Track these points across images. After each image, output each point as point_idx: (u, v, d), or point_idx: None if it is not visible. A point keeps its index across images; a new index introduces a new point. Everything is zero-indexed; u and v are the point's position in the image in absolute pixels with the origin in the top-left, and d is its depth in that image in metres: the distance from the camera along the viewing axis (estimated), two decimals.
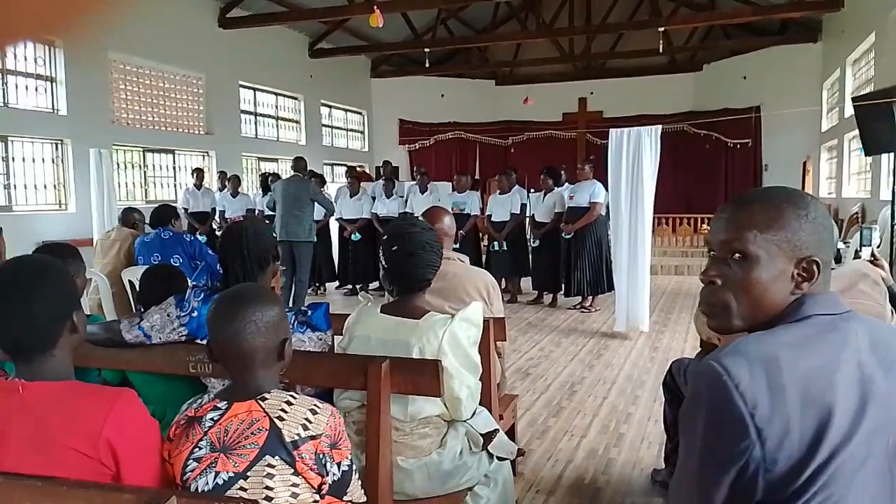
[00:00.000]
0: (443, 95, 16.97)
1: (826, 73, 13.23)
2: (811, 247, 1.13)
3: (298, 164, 7.44)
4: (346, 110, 16.18)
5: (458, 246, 6.03)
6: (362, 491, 1.60)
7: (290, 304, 4.81)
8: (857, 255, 2.96)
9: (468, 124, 17.31)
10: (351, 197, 8.84)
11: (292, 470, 1.40)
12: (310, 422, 1.43)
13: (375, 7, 9.52)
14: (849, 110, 9.44)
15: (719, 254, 1.18)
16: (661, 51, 12.86)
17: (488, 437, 2.22)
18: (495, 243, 8.01)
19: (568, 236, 7.51)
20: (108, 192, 8.23)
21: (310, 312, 2.09)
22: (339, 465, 1.46)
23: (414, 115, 16.98)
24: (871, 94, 6.86)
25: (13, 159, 8.47)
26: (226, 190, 9.56)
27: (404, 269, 2.12)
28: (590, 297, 7.56)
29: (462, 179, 8.43)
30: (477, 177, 13.25)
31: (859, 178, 11.06)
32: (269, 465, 1.39)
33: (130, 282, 4.64)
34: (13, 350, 1.40)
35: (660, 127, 6.20)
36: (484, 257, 8.48)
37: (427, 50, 13.51)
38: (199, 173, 9.57)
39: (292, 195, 7.05)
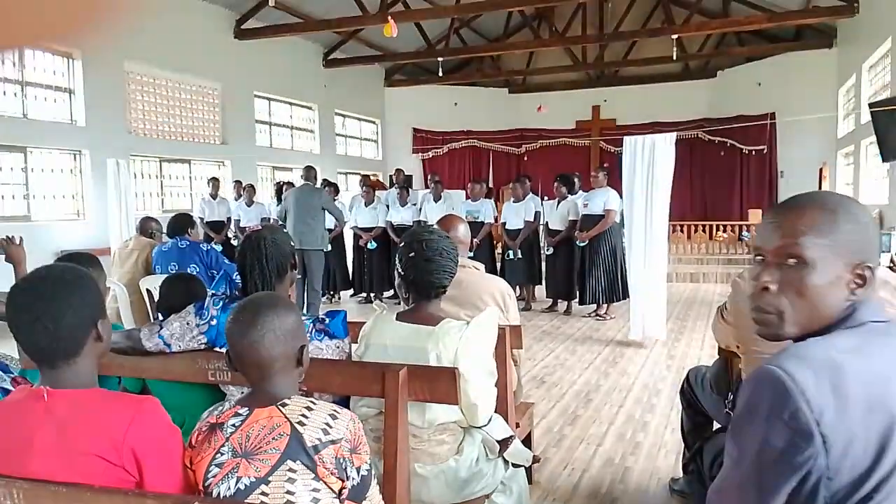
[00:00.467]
0: (456, 104, 17.02)
1: (842, 78, 13.14)
2: (864, 252, 1.11)
3: (309, 172, 7.48)
4: (359, 119, 16.27)
5: (472, 254, 6.04)
6: (381, 496, 1.60)
7: (305, 312, 4.83)
8: None
9: (481, 132, 17.35)
10: (366, 205, 8.88)
11: (313, 475, 1.41)
12: (330, 426, 1.44)
13: (390, 17, 9.58)
14: (865, 116, 9.38)
15: (772, 259, 1.15)
16: (674, 58, 12.86)
17: (504, 443, 2.22)
18: (509, 251, 8.00)
19: (582, 244, 7.50)
20: (126, 201, 8.31)
21: (327, 320, 2.11)
22: (358, 469, 1.47)
23: (427, 123, 17.05)
24: (888, 99, 6.82)
25: (32, 170, 8.58)
26: (241, 199, 9.63)
27: (421, 275, 2.13)
28: (605, 305, 7.54)
29: (476, 188, 8.43)
30: (490, 185, 13.26)
31: (877, 184, 10.96)
32: (291, 470, 1.40)
33: (148, 290, 4.69)
34: (39, 357, 1.41)
35: (674, 134, 6.19)
36: (498, 265, 8.48)
37: (440, 59, 13.57)
38: (214, 183, 9.66)
39: (304, 204, 7.09)
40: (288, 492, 1.39)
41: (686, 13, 12.84)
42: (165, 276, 3.97)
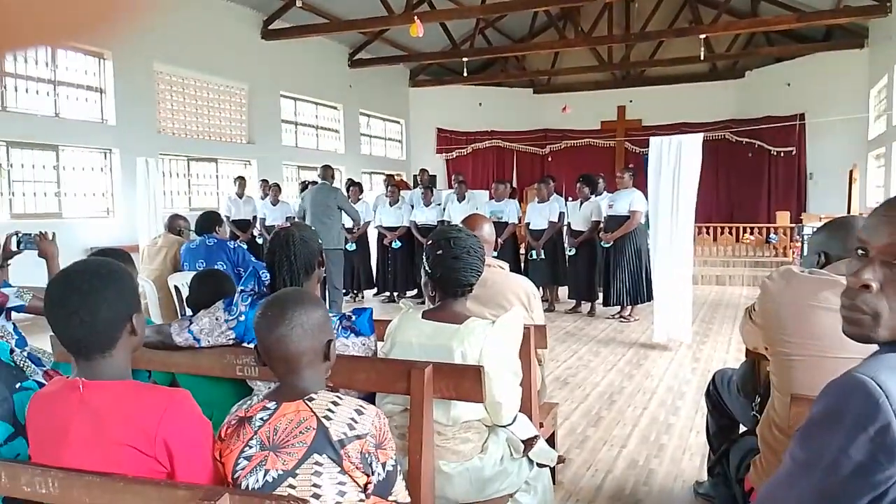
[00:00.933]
0: (480, 104, 17.02)
1: (873, 79, 12.91)
2: None
3: (326, 172, 7.55)
4: (384, 119, 16.34)
5: (496, 254, 6.03)
6: (407, 492, 1.62)
7: (330, 310, 4.86)
8: None
9: (505, 133, 17.32)
10: (391, 205, 8.92)
11: (339, 468, 1.43)
12: (356, 422, 1.45)
13: (416, 17, 9.61)
14: None
15: (878, 256, 1.06)
16: (702, 58, 12.71)
17: (529, 443, 2.22)
18: (532, 252, 7.99)
19: (607, 245, 7.46)
20: (154, 200, 8.43)
21: (354, 318, 2.12)
22: (384, 464, 1.49)
23: (451, 123, 17.06)
24: None
25: (63, 168, 8.74)
26: (267, 198, 9.71)
27: (448, 273, 2.14)
28: (629, 307, 7.49)
29: (500, 188, 8.43)
30: (514, 185, 13.23)
31: None
32: (317, 464, 1.42)
33: (176, 287, 4.75)
34: (75, 350, 1.44)
35: (701, 135, 6.13)
36: (522, 265, 8.46)
37: (465, 59, 13.58)
38: (241, 182, 9.76)
39: (321, 203, 7.15)
40: (314, 485, 1.41)
41: (714, 13, 12.69)
42: (193, 272, 4.04)
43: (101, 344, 1.43)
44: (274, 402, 1.50)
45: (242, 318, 2.13)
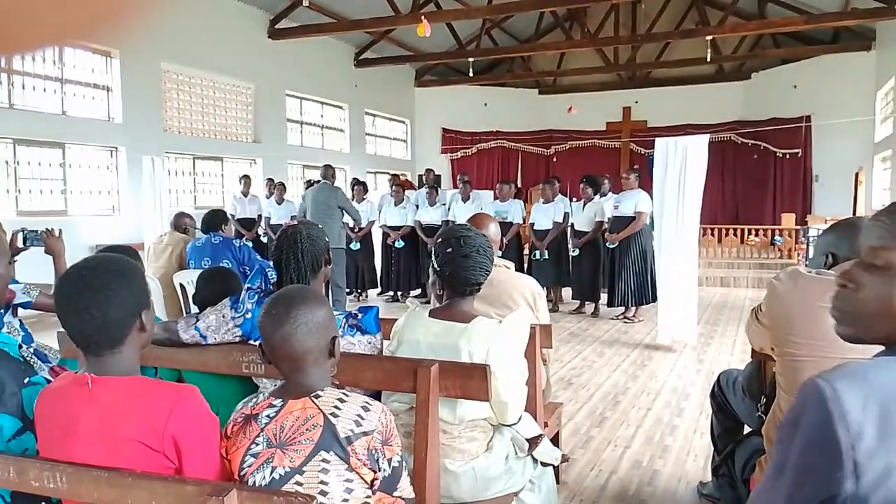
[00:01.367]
0: (486, 104, 17.01)
1: (880, 81, 12.88)
2: None
3: (327, 171, 7.57)
4: (389, 119, 16.35)
5: (500, 254, 6.03)
6: (411, 487, 1.62)
7: (334, 308, 4.87)
8: None
9: (511, 133, 17.31)
10: (395, 205, 8.93)
11: (346, 465, 1.43)
12: (362, 418, 1.46)
13: (423, 17, 9.62)
14: None
15: (864, 258, 1.10)
16: (708, 59, 12.68)
17: (533, 442, 2.22)
18: (536, 252, 7.99)
19: (613, 246, 7.46)
20: (160, 198, 8.46)
21: (360, 316, 2.13)
22: (389, 461, 1.49)
23: (457, 123, 17.06)
24: None
25: (70, 166, 8.77)
26: (272, 197, 9.73)
27: (457, 271, 2.14)
28: (633, 308, 7.48)
29: (504, 188, 8.45)
30: (519, 185, 13.23)
31: None
32: (324, 461, 1.42)
33: (182, 285, 4.77)
34: (85, 345, 1.45)
35: (707, 137, 6.12)
36: (525, 266, 8.47)
37: (471, 59, 13.58)
38: (246, 180, 9.78)
39: (322, 203, 7.17)
40: (322, 482, 1.41)
41: (721, 14, 12.67)
42: (199, 271, 4.04)
43: (110, 340, 1.43)
44: (280, 400, 1.51)
45: (249, 315, 2.14)
